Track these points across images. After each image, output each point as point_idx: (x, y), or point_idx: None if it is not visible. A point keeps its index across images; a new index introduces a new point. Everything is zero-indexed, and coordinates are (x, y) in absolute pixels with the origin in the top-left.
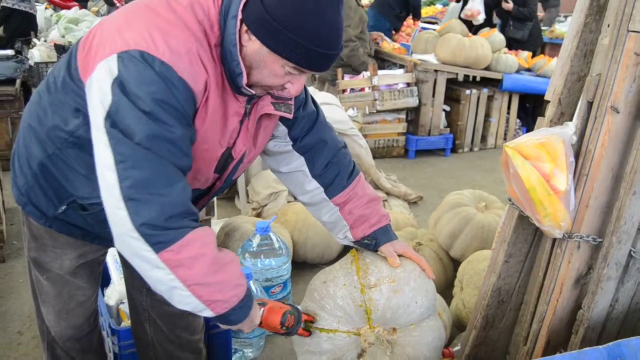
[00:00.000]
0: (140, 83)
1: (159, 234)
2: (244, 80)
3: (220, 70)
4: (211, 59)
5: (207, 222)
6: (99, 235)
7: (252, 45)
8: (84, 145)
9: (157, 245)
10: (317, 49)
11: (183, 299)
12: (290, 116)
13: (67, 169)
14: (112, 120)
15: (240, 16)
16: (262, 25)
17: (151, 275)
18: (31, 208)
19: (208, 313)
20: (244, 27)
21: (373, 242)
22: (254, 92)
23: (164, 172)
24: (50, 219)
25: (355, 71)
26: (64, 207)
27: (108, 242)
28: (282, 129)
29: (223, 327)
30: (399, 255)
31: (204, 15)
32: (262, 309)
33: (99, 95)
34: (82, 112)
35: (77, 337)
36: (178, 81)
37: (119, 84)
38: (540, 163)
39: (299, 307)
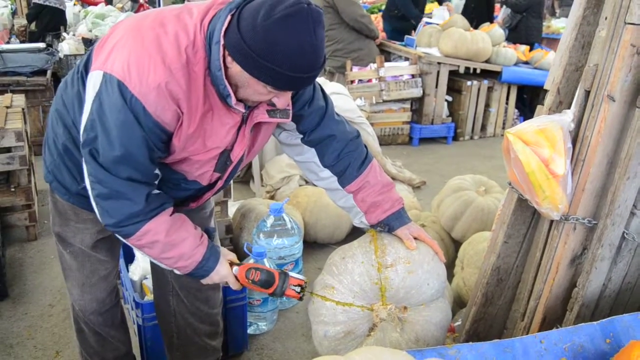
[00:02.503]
0: (112, 108)
1: (120, 230)
2: (233, 101)
3: (212, 90)
4: (190, 85)
5: (224, 204)
6: None
7: (235, 68)
8: None
9: (122, 235)
10: (292, 74)
11: (158, 263)
12: (288, 121)
13: None
14: (85, 138)
15: (222, 42)
16: (240, 52)
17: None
18: (57, 185)
19: (177, 272)
20: (227, 51)
21: (386, 227)
22: (243, 110)
23: (120, 190)
24: (73, 195)
25: (362, 62)
26: (85, 184)
27: None
28: (291, 124)
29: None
30: (414, 238)
31: (188, 43)
32: (236, 267)
33: (86, 105)
34: None
35: (100, 311)
36: (144, 114)
37: (98, 102)
38: (539, 148)
39: (289, 272)
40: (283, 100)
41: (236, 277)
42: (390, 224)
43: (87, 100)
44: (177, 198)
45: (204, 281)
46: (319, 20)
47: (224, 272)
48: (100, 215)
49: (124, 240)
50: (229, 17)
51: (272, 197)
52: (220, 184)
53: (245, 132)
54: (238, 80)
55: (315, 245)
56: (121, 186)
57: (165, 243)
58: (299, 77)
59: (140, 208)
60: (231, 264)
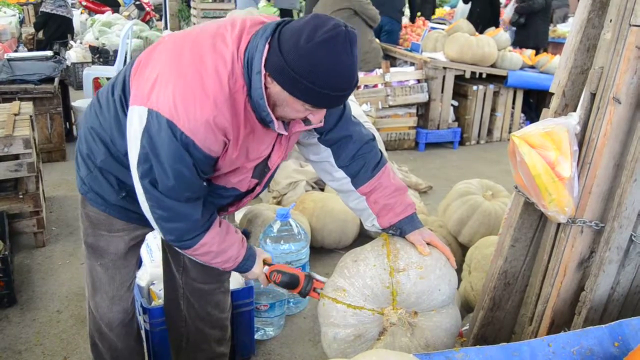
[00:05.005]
0: (163, 143)
1: (181, 245)
2: (276, 126)
3: (252, 114)
4: (234, 114)
5: None
6: None
7: (274, 88)
8: None
9: (182, 248)
10: (331, 92)
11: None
12: (320, 125)
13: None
14: (142, 171)
15: (264, 71)
16: (282, 74)
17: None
18: (93, 195)
19: (220, 267)
20: (267, 73)
21: (398, 231)
22: (285, 133)
23: (181, 211)
24: (110, 205)
25: (369, 64)
26: (124, 194)
27: None
28: None
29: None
30: (427, 243)
31: (228, 74)
32: (266, 267)
33: (133, 140)
34: None
35: (124, 322)
36: (195, 149)
37: (148, 137)
38: (545, 151)
39: (314, 274)
40: (318, 116)
41: (266, 276)
42: (402, 228)
43: (132, 134)
44: (218, 205)
45: (243, 276)
46: (354, 42)
47: (257, 271)
48: (162, 234)
49: (181, 251)
50: (267, 46)
51: (278, 203)
52: (258, 189)
53: (282, 142)
54: (276, 100)
55: (322, 251)
56: (182, 208)
57: (217, 252)
58: (337, 96)
59: (198, 224)
60: (264, 263)
